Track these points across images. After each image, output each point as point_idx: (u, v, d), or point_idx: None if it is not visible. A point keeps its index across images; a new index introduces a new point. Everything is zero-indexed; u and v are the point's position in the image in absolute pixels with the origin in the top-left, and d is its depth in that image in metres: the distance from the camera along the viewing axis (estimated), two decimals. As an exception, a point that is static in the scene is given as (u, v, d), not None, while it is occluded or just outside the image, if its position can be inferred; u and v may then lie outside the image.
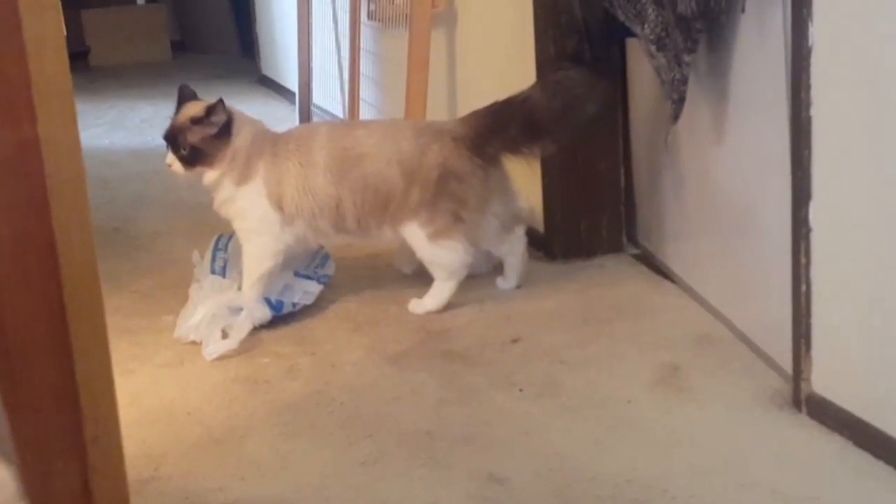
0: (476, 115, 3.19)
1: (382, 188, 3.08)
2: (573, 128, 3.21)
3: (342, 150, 3.11)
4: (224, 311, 2.99)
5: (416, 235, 3.12)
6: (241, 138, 3.08)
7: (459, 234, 3.10)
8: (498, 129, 3.12)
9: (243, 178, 3.09)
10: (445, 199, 3.08)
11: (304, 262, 3.26)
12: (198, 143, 3.06)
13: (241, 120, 3.12)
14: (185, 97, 3.16)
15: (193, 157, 3.06)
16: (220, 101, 3.07)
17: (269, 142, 3.15)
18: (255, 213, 3.10)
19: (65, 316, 1.50)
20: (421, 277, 3.21)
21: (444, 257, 3.13)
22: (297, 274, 3.20)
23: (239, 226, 3.15)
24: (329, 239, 3.21)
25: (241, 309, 2.99)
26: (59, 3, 1.54)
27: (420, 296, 3.17)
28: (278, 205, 3.10)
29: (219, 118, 3.06)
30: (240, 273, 3.14)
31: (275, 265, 3.11)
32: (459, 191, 3.09)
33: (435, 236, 3.10)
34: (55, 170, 1.47)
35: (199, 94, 3.21)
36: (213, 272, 3.19)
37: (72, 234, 1.49)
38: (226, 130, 3.06)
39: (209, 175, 3.08)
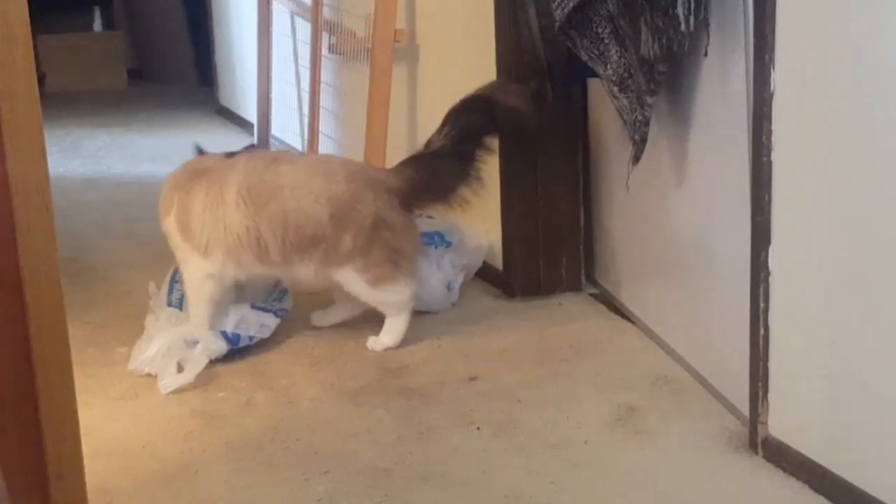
0: (408, 166, 3.20)
1: (307, 226, 3.04)
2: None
3: (259, 182, 3.07)
4: (180, 344, 2.96)
5: (354, 281, 3.10)
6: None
7: (399, 276, 3.11)
8: (431, 182, 3.15)
9: (164, 212, 3.15)
10: (380, 248, 3.07)
11: (262, 295, 3.24)
12: None
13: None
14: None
15: None
16: None
17: (191, 175, 3.16)
18: (177, 244, 3.13)
19: (30, 352, 1.48)
20: (375, 314, 3.19)
21: (389, 297, 3.13)
22: (253, 306, 3.17)
23: (176, 256, 3.18)
24: (255, 271, 3.14)
25: (197, 342, 2.97)
26: (31, 39, 1.52)
27: (378, 332, 3.15)
28: (187, 237, 3.10)
29: None
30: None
31: (213, 292, 3.09)
32: (393, 240, 3.09)
33: (375, 282, 3.09)
34: (24, 205, 1.46)
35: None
36: (169, 304, 3.17)
37: (39, 271, 1.48)
38: None
39: None
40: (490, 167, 3.23)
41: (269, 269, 3.13)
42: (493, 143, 3.21)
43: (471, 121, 3.15)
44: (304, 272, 3.11)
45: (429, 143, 3.17)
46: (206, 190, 3.09)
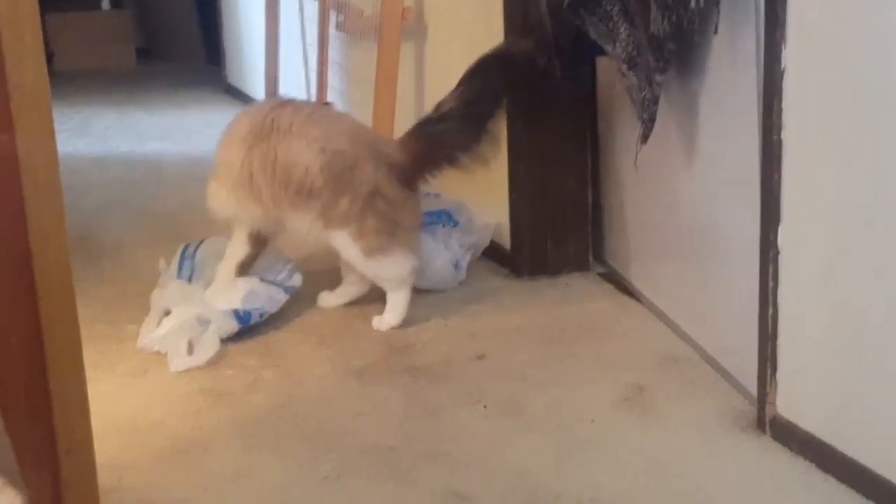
0: (415, 137, 3.17)
1: (295, 169, 3.03)
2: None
3: (260, 121, 3.09)
4: (192, 323, 2.96)
5: (349, 246, 3.08)
6: None
7: (396, 247, 3.08)
8: (439, 151, 3.13)
9: None
10: (375, 217, 3.04)
11: (272, 272, 3.23)
12: None
13: None
14: None
15: None
16: None
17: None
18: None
19: (39, 329, 1.49)
20: (384, 293, 3.19)
21: (386, 271, 3.12)
22: (262, 279, 3.17)
23: None
24: (253, 213, 3.13)
25: (209, 321, 2.96)
26: (39, 17, 1.52)
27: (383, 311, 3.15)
28: (215, 172, 3.18)
29: None
30: (208, 282, 3.15)
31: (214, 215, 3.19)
32: (390, 212, 3.06)
33: (371, 252, 3.07)
34: (32, 182, 1.47)
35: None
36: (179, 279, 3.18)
37: (48, 247, 1.49)
38: None
39: None
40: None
41: (265, 213, 3.11)
42: (508, 103, 3.20)
43: (485, 80, 3.15)
44: (300, 226, 3.09)
45: (440, 104, 3.14)
46: (229, 130, 3.17)
